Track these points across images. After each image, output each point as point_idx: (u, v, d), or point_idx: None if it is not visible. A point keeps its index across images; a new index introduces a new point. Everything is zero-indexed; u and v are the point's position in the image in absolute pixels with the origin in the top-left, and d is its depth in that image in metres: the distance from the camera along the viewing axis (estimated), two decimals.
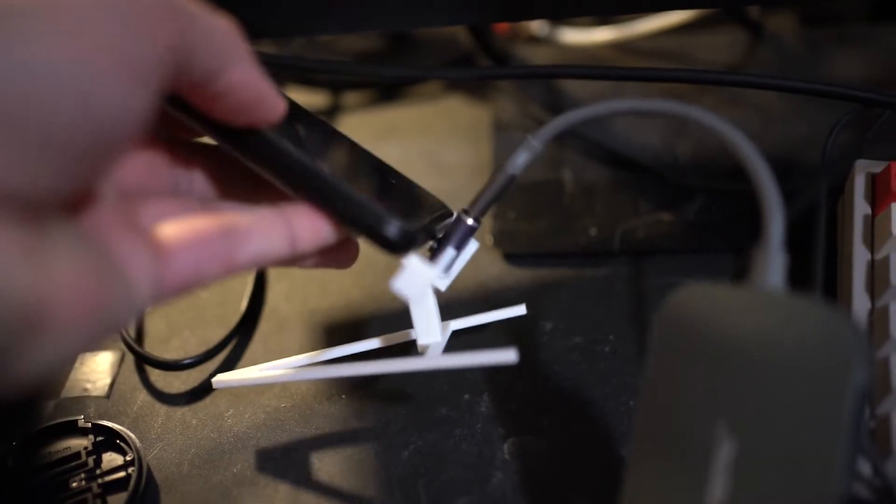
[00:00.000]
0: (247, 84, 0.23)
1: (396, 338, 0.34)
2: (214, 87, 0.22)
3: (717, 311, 0.24)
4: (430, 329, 0.30)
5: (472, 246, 0.31)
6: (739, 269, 0.27)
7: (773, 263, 0.24)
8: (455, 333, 0.35)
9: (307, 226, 0.26)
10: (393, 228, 0.26)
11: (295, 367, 0.33)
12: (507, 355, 0.28)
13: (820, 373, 0.22)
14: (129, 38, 0.19)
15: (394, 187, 0.31)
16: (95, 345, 0.21)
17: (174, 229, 0.22)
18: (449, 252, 0.29)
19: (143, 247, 0.21)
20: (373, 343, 0.34)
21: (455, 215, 0.30)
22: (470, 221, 0.30)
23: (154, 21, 0.19)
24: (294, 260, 0.27)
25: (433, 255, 0.30)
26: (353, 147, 0.32)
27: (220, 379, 0.33)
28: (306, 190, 0.26)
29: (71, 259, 0.18)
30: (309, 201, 0.26)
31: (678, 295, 0.25)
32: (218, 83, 0.22)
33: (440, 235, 0.30)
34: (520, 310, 0.36)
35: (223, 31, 0.22)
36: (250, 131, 0.25)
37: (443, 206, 0.32)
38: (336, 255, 0.28)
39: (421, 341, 0.30)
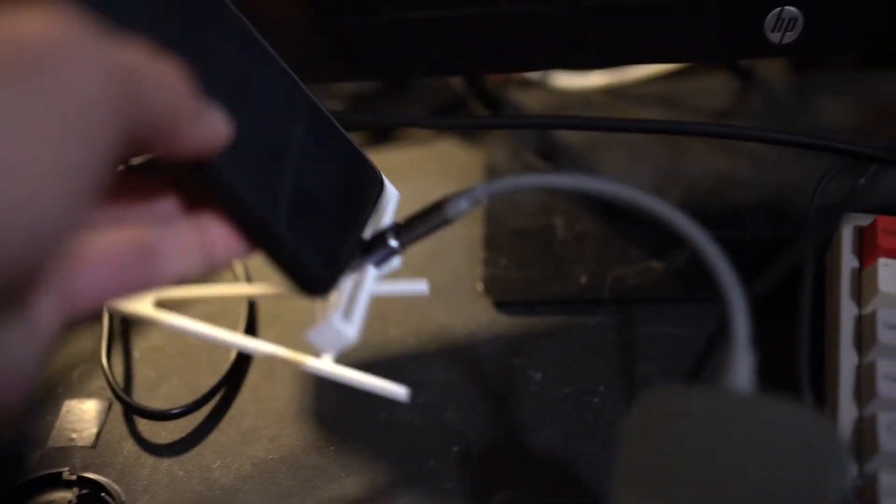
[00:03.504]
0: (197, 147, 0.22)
1: None
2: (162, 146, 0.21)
3: (688, 415, 0.23)
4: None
5: (395, 263, 0.30)
6: (696, 366, 0.27)
7: (740, 364, 0.24)
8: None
9: (224, 243, 0.25)
10: (314, 282, 0.26)
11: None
12: (398, 391, 0.29)
13: (797, 479, 0.22)
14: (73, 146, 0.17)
15: (329, 199, 0.29)
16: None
17: (88, 246, 0.21)
18: (368, 281, 0.29)
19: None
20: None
21: (387, 231, 0.29)
22: (394, 244, 0.29)
23: (102, 112, 0.18)
24: (206, 273, 0.26)
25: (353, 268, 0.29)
26: (297, 119, 0.29)
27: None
28: (235, 222, 0.25)
29: None
30: (233, 226, 0.25)
31: (647, 399, 0.24)
32: (167, 143, 0.21)
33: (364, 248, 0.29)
34: (422, 286, 0.33)
35: (173, 89, 0.21)
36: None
37: (377, 188, 0.32)
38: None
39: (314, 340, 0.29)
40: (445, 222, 0.29)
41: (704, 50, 0.37)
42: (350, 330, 0.28)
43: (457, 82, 0.52)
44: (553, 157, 0.48)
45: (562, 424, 0.35)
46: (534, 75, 0.53)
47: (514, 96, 0.52)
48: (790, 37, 0.35)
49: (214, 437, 0.36)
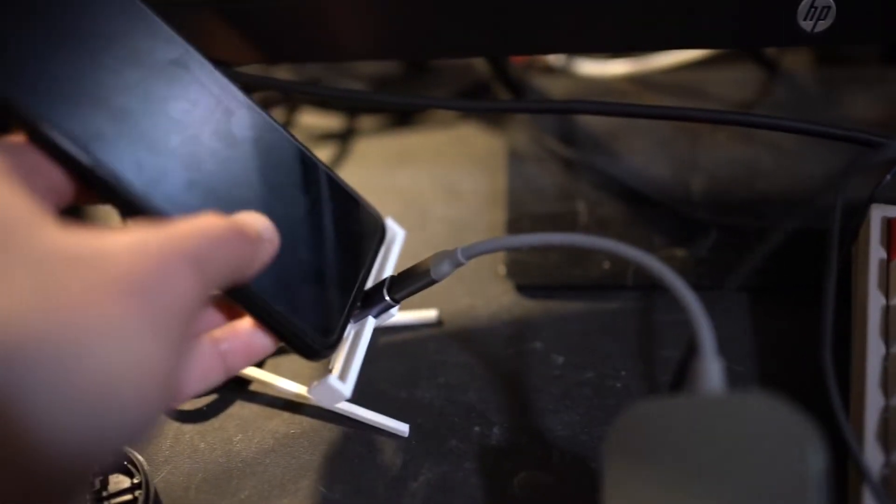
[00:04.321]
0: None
1: None
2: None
3: (667, 424, 0.25)
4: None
5: (394, 312, 0.32)
6: (676, 378, 0.28)
7: (710, 370, 0.26)
8: None
9: (236, 354, 0.27)
10: (315, 352, 0.28)
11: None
12: (400, 427, 0.32)
13: (776, 469, 0.23)
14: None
15: (329, 262, 0.30)
16: None
17: None
18: (367, 333, 0.31)
19: None
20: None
21: (383, 286, 0.31)
22: (388, 299, 0.31)
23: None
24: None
25: (355, 318, 0.32)
26: (300, 201, 0.30)
27: None
28: (238, 304, 0.27)
29: None
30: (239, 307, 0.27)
31: (627, 414, 0.26)
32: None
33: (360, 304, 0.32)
34: (431, 315, 0.39)
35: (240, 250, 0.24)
36: None
37: (375, 240, 0.33)
38: None
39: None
40: (433, 282, 0.31)
41: (734, 36, 0.37)
42: (346, 389, 0.30)
43: (481, 67, 0.52)
44: (574, 143, 0.48)
45: (583, 408, 0.35)
46: (557, 62, 0.53)
47: (538, 82, 0.52)
48: (822, 25, 0.35)
49: (236, 409, 0.36)
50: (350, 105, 0.52)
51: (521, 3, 0.35)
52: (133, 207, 0.24)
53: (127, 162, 0.24)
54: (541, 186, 0.45)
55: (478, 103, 0.50)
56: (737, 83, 0.51)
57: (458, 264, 0.31)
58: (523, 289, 0.41)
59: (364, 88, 0.53)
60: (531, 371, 0.37)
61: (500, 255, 0.42)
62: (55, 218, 0.20)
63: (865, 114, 0.48)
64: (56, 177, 0.24)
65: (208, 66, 0.28)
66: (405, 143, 0.51)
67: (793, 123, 0.36)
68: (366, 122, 0.52)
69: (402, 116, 0.52)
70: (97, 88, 0.24)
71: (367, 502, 0.32)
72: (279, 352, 0.31)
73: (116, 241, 0.20)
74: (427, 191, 0.47)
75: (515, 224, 0.43)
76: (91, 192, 0.24)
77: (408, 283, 0.31)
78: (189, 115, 0.26)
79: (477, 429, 0.35)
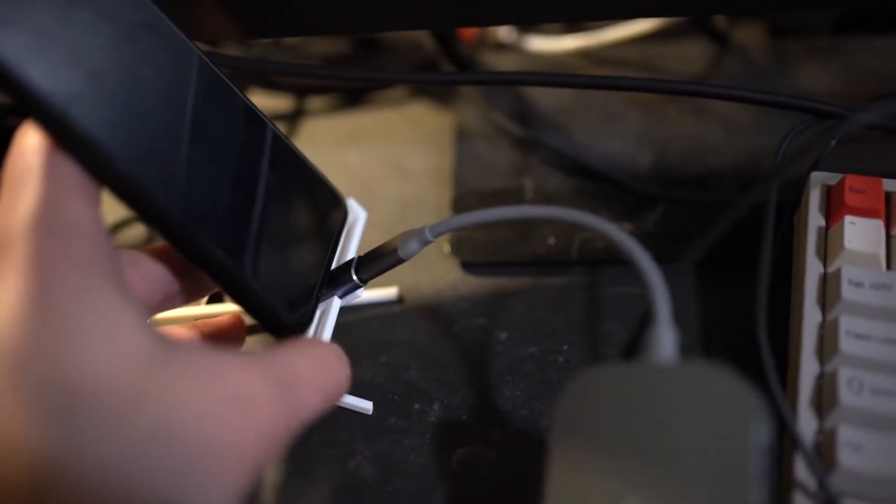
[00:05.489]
0: None
1: None
2: None
3: (618, 391, 0.25)
4: None
5: (360, 293, 0.32)
6: (629, 345, 0.28)
7: (664, 339, 0.25)
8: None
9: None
10: (286, 326, 0.28)
11: None
12: (364, 405, 0.31)
13: (720, 438, 0.23)
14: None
15: (295, 238, 0.30)
16: None
17: None
18: (333, 313, 0.31)
19: None
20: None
21: (350, 265, 0.31)
22: (356, 279, 0.31)
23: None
24: None
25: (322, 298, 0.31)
26: (268, 168, 0.30)
27: None
28: (211, 276, 0.26)
29: None
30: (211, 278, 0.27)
31: (577, 380, 0.26)
32: None
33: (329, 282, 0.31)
34: (391, 292, 0.39)
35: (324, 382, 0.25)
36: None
37: (339, 217, 0.33)
38: None
39: None
40: (400, 261, 0.30)
41: (681, 5, 0.36)
42: None
43: (428, 43, 0.51)
44: (524, 120, 0.47)
45: (525, 383, 0.35)
46: (507, 38, 0.52)
47: (487, 59, 0.51)
48: None
49: None
50: (299, 86, 0.51)
51: None
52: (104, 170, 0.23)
53: (101, 123, 0.23)
54: (489, 164, 0.45)
55: (429, 75, 0.50)
56: (688, 57, 0.51)
57: (427, 242, 0.30)
58: (468, 266, 0.40)
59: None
60: (474, 348, 0.36)
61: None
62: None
63: (818, 86, 0.48)
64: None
65: (180, 35, 0.27)
66: (354, 123, 0.50)
67: (742, 93, 0.36)
68: (314, 102, 0.52)
69: (352, 96, 0.52)
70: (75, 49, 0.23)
71: (305, 480, 0.32)
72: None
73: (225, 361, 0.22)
74: (376, 170, 0.47)
75: (461, 202, 0.43)
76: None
77: (375, 264, 0.31)
78: (161, 82, 0.25)
79: (417, 406, 0.34)
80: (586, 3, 0.36)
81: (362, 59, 0.54)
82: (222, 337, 0.30)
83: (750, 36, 0.52)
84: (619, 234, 0.27)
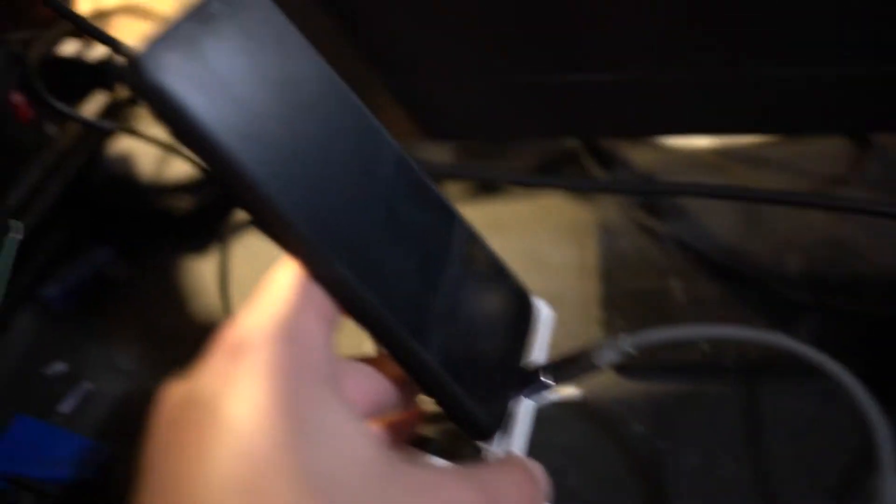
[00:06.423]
0: None
1: None
2: None
3: None
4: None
5: (545, 397, 0.31)
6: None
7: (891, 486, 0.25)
8: None
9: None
10: (483, 429, 0.28)
11: None
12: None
13: None
14: None
15: (487, 336, 0.30)
16: None
17: None
18: (526, 416, 0.30)
19: None
20: None
21: (537, 374, 0.30)
22: (548, 381, 0.30)
23: None
24: None
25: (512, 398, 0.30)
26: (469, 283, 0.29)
27: None
28: (413, 376, 0.26)
29: None
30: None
31: None
32: None
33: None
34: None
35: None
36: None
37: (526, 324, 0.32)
38: None
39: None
40: (594, 368, 0.29)
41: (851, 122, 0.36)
42: None
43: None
44: (662, 216, 0.48)
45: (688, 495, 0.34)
46: None
47: (624, 153, 0.51)
48: None
49: None
50: (434, 172, 0.52)
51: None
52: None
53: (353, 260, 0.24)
54: (633, 260, 0.45)
55: (586, 182, 0.50)
56: (827, 157, 0.50)
57: (626, 353, 0.29)
58: (621, 370, 0.40)
59: (449, 157, 0.54)
60: (630, 455, 0.36)
61: (593, 331, 0.41)
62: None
63: None
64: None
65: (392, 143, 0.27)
66: (491, 212, 0.51)
67: (878, 208, 0.36)
68: (451, 188, 0.53)
69: (485, 185, 0.52)
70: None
71: None
72: None
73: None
74: (518, 262, 0.47)
75: (609, 300, 0.43)
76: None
77: (568, 368, 0.30)
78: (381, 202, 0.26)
79: None
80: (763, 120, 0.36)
81: (498, 146, 0.55)
82: (402, 428, 0.30)
83: (892, 138, 0.51)
84: (849, 380, 0.26)
